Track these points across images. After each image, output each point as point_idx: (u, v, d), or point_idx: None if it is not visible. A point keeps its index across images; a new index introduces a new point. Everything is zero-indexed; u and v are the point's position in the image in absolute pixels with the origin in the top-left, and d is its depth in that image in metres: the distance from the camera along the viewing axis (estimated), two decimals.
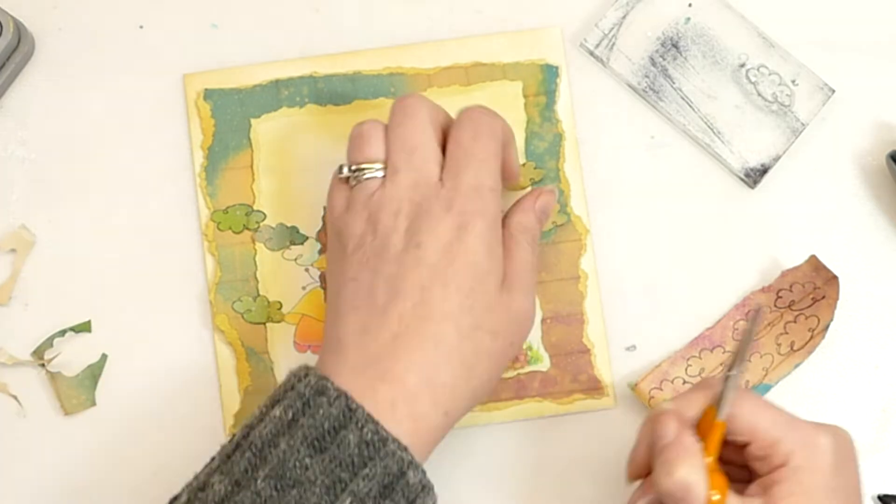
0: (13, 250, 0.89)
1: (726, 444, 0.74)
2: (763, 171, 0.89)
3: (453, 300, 0.75)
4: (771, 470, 0.73)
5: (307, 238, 0.89)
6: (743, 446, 0.74)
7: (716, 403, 0.74)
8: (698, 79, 0.90)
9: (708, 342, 0.87)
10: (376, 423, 0.71)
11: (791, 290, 0.87)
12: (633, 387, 0.86)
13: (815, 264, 0.87)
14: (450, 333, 0.74)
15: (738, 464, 0.75)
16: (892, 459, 0.87)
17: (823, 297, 0.87)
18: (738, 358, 0.75)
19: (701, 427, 0.74)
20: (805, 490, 0.72)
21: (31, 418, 0.87)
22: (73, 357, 0.88)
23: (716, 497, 0.71)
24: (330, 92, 0.90)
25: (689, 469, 0.71)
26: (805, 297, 0.87)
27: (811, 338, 0.87)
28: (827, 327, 0.86)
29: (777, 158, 0.89)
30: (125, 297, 0.89)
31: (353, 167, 0.79)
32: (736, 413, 0.74)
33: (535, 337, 0.88)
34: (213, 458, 0.74)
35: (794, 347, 0.86)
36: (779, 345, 0.87)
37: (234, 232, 0.89)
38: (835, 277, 0.86)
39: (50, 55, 0.91)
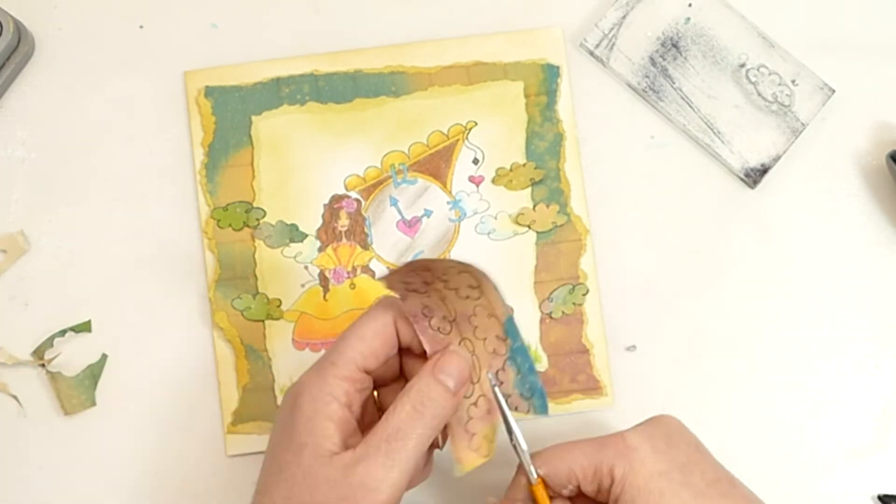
0: (4, 251, 0.89)
1: (574, 499, 0.76)
2: (763, 171, 0.89)
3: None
4: (609, 492, 0.74)
5: (307, 236, 0.89)
6: (581, 494, 0.76)
7: (524, 474, 0.75)
8: (698, 79, 0.90)
9: None
10: None
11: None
12: None
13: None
14: None
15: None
16: (892, 459, 0.87)
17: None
18: (508, 427, 0.75)
19: (535, 495, 0.76)
20: (639, 490, 0.73)
21: (31, 418, 0.87)
22: (73, 357, 0.88)
23: None
24: (331, 90, 0.90)
25: None
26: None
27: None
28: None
29: (777, 158, 0.89)
30: (125, 297, 0.89)
31: None
32: (547, 472, 0.75)
33: (533, 337, 0.88)
34: None
35: (473, 285, 0.78)
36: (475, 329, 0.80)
37: (233, 229, 0.89)
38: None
39: (50, 55, 0.91)
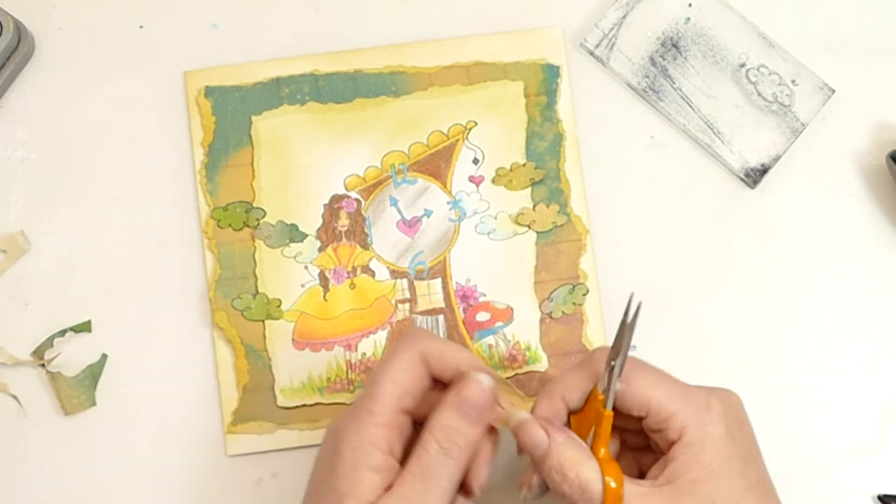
0: (4, 251, 0.89)
1: (621, 422, 0.75)
2: (763, 171, 0.89)
3: None
4: (668, 445, 0.74)
5: (307, 236, 0.89)
6: (639, 419, 0.75)
7: (600, 384, 0.74)
8: (698, 79, 0.90)
9: None
10: None
11: None
12: None
13: None
14: None
15: (636, 430, 0.76)
16: (892, 459, 0.87)
17: None
18: (618, 348, 0.74)
19: (587, 414, 0.75)
20: (701, 463, 0.72)
21: (31, 418, 0.87)
22: (73, 357, 0.88)
23: (613, 485, 0.71)
24: (331, 90, 0.90)
25: (579, 468, 0.72)
26: None
27: None
28: None
29: (777, 158, 0.89)
30: (125, 297, 0.89)
31: None
32: (628, 388, 0.74)
33: (533, 337, 0.88)
34: None
35: None
36: None
37: (233, 229, 0.89)
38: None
39: (50, 55, 0.91)
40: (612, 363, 0.74)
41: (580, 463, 0.72)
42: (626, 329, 0.74)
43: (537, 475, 0.75)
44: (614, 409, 0.74)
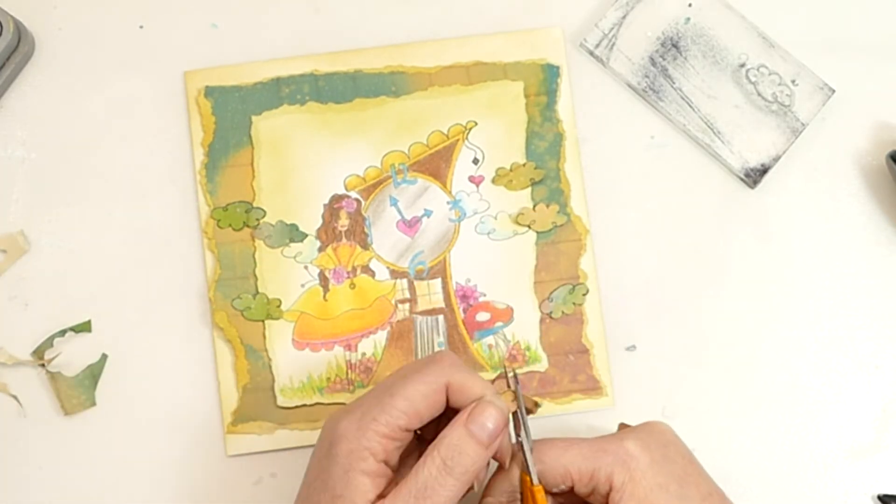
0: (4, 251, 0.89)
1: (559, 495, 0.76)
2: (763, 171, 0.89)
3: None
4: (604, 500, 0.74)
5: (306, 235, 0.89)
6: (570, 492, 0.76)
7: (525, 470, 0.75)
8: (698, 79, 0.90)
9: None
10: None
11: None
12: None
13: None
14: None
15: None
16: (892, 459, 0.87)
17: None
18: (519, 423, 0.75)
19: (525, 496, 0.76)
20: (641, 499, 0.73)
21: (31, 418, 0.87)
22: (73, 357, 0.88)
23: None
24: (331, 90, 0.90)
25: None
26: None
27: None
28: None
29: (777, 158, 0.89)
30: (125, 297, 0.89)
31: None
32: (544, 466, 0.75)
33: (533, 337, 0.88)
34: None
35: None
36: None
37: (233, 229, 0.89)
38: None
39: (50, 55, 0.91)
40: (519, 439, 0.75)
41: None
42: (519, 404, 0.75)
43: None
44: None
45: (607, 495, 0.74)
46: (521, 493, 0.76)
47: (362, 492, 0.70)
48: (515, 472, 0.76)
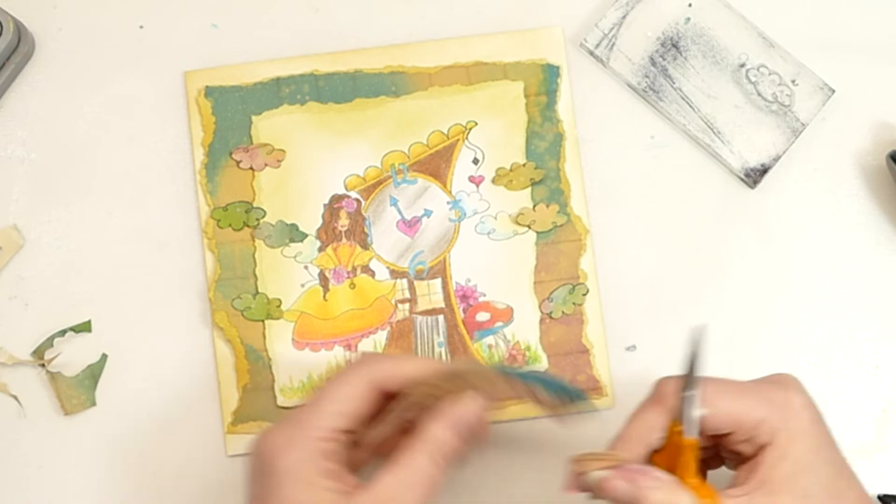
0: None
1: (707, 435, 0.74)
2: (763, 171, 0.89)
3: None
4: (756, 450, 0.73)
5: (306, 235, 0.89)
6: (724, 435, 0.74)
7: (679, 419, 0.73)
8: (698, 79, 0.90)
9: None
10: None
11: None
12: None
13: None
14: None
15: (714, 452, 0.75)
16: (892, 459, 0.87)
17: None
18: (689, 378, 0.73)
19: (669, 448, 0.73)
20: (794, 460, 0.72)
21: (31, 418, 0.88)
22: (73, 357, 0.88)
23: None
24: (331, 90, 0.90)
25: (673, 501, 0.71)
26: None
27: None
28: None
29: (777, 158, 0.89)
30: (125, 297, 0.89)
31: None
32: (715, 412, 0.73)
33: (533, 337, 0.88)
34: None
35: None
36: None
37: (233, 229, 0.89)
38: None
39: (50, 55, 0.91)
40: (687, 394, 0.72)
41: (674, 499, 0.71)
42: (696, 360, 0.73)
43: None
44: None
45: (761, 446, 0.72)
46: (669, 445, 0.73)
47: (329, 496, 0.71)
48: (659, 420, 0.73)
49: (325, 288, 0.89)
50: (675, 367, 0.87)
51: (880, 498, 0.86)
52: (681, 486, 0.71)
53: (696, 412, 0.72)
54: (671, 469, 0.72)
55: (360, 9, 0.92)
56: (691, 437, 0.72)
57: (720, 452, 0.76)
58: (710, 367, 0.88)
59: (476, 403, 0.74)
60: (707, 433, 0.73)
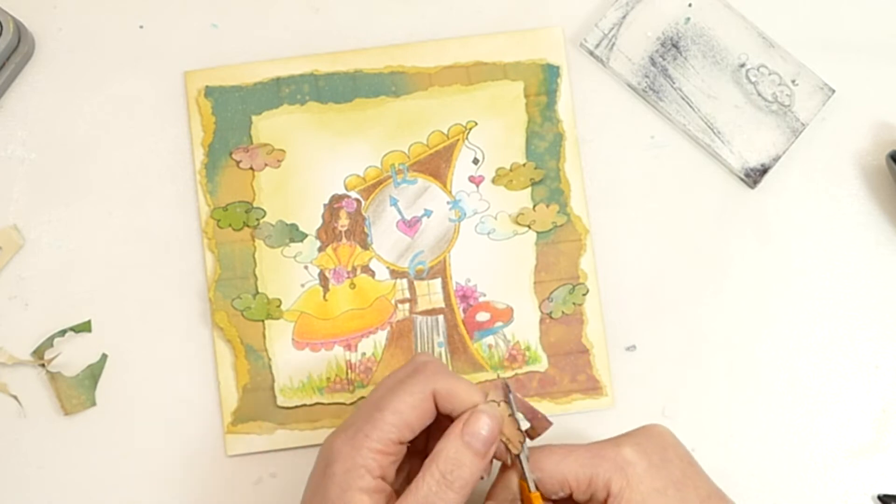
0: None
1: (558, 502, 0.76)
2: (763, 171, 0.89)
3: None
4: None
5: (306, 235, 0.89)
6: (569, 498, 0.76)
7: (522, 477, 0.75)
8: (698, 79, 0.90)
9: None
10: None
11: None
12: None
13: None
14: None
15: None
16: (892, 459, 0.87)
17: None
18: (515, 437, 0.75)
19: (524, 503, 0.76)
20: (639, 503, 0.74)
21: (31, 418, 0.87)
22: (73, 357, 0.88)
23: None
24: (331, 90, 0.90)
25: None
26: None
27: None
28: None
29: (777, 158, 0.89)
30: (125, 297, 0.89)
31: None
32: (542, 474, 0.75)
33: (533, 337, 0.88)
34: None
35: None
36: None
37: (233, 229, 0.89)
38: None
39: (50, 55, 0.91)
40: (517, 454, 0.75)
41: None
42: (513, 414, 0.75)
43: None
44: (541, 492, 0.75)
45: (605, 501, 0.74)
46: (521, 501, 0.76)
47: None
48: (514, 480, 0.76)
49: (325, 288, 0.89)
50: (675, 367, 0.88)
51: (880, 498, 0.86)
52: None
53: (533, 473, 0.75)
54: None
55: (360, 9, 0.92)
56: (533, 490, 0.75)
57: None
58: (710, 365, 0.88)
59: (490, 415, 0.73)
60: (547, 496, 0.75)
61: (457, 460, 0.72)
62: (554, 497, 0.76)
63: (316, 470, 0.74)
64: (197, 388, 0.88)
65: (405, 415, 0.72)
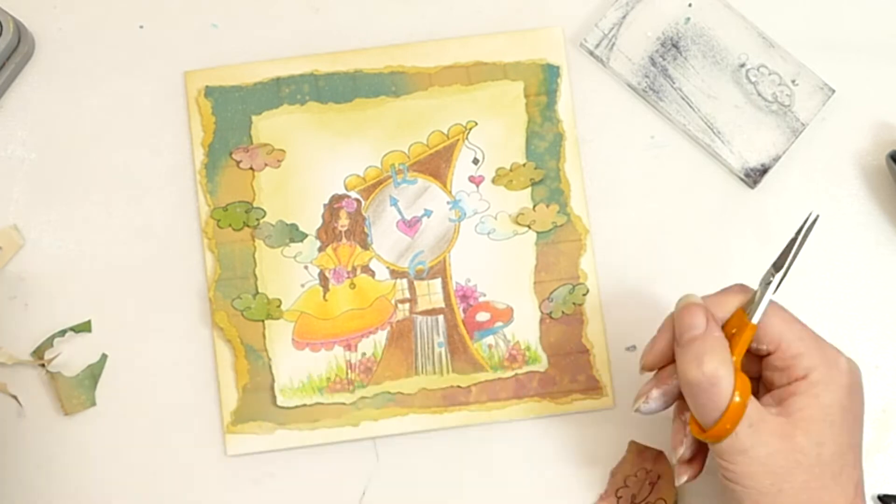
0: None
1: (746, 352, 0.75)
2: (763, 171, 0.89)
3: None
4: (789, 382, 0.74)
5: (306, 235, 0.89)
6: (763, 356, 0.75)
7: (746, 307, 0.75)
8: (698, 79, 0.90)
9: None
10: None
11: (627, 486, 0.86)
12: None
13: (637, 449, 0.87)
14: None
15: (749, 375, 0.76)
16: (892, 459, 0.87)
17: (659, 477, 0.86)
18: (781, 263, 0.76)
19: (728, 328, 0.75)
20: (821, 404, 0.73)
21: (31, 418, 0.87)
22: (73, 357, 0.88)
23: (737, 399, 0.72)
24: (331, 90, 0.90)
25: (720, 362, 0.72)
26: (642, 485, 0.86)
27: None
28: (676, 502, 0.86)
29: (777, 158, 0.89)
30: (125, 297, 0.89)
31: None
32: (765, 322, 0.75)
33: (533, 337, 0.88)
34: None
35: None
36: None
37: (233, 229, 0.89)
38: (660, 453, 0.86)
39: (50, 55, 0.91)
40: (772, 278, 0.75)
41: (722, 360, 0.73)
42: (795, 244, 0.76)
43: (657, 388, 0.77)
44: None
45: (794, 380, 0.74)
46: (728, 324, 0.75)
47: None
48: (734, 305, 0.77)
49: (325, 288, 0.89)
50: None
51: (880, 498, 0.86)
52: (732, 360, 0.73)
53: (767, 299, 0.75)
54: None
55: (360, 9, 0.92)
56: (754, 321, 0.74)
57: (755, 376, 0.77)
58: None
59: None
60: (751, 345, 0.75)
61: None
62: (754, 346, 0.75)
63: None
64: (197, 388, 0.88)
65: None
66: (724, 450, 0.73)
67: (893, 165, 0.87)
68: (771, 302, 0.75)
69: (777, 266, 0.76)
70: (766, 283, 0.75)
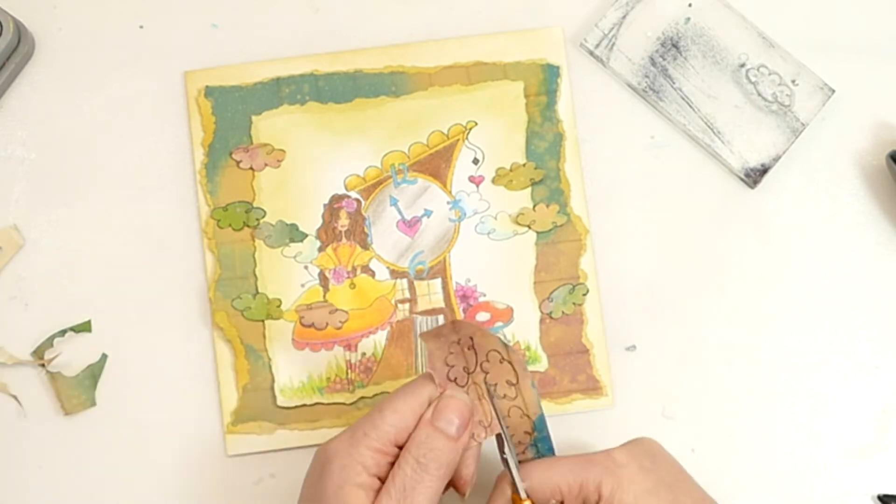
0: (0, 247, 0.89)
1: None
2: (763, 171, 0.89)
3: None
4: None
5: (306, 235, 0.89)
6: None
7: (513, 488, 0.76)
8: (698, 79, 0.90)
9: None
10: None
11: (452, 366, 0.78)
12: None
13: (432, 336, 0.78)
14: None
15: None
16: (892, 459, 0.87)
17: (472, 339, 0.78)
18: (501, 441, 0.76)
19: None
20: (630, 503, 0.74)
21: (31, 418, 0.87)
22: (73, 357, 0.88)
23: None
24: (331, 90, 0.90)
25: None
26: (464, 354, 0.79)
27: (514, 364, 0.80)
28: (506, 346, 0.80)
29: (777, 158, 0.89)
30: (125, 297, 0.89)
31: None
32: (533, 483, 0.76)
33: (533, 337, 0.88)
34: None
35: (512, 381, 0.79)
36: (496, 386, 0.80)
37: (233, 229, 0.89)
38: (454, 321, 0.78)
39: (50, 55, 0.91)
40: (504, 457, 0.76)
41: None
42: (501, 424, 0.76)
43: None
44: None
45: (597, 503, 0.75)
46: None
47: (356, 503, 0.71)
48: (508, 491, 0.77)
49: (325, 288, 0.89)
50: (675, 367, 0.88)
51: (880, 498, 0.86)
52: None
53: (523, 483, 0.76)
54: None
55: (360, 9, 0.92)
56: (523, 496, 0.76)
57: None
58: (710, 365, 0.88)
59: (457, 399, 0.74)
60: None
61: (428, 444, 0.73)
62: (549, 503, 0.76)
63: (312, 470, 0.74)
64: (197, 389, 0.88)
65: (405, 416, 0.73)
66: None
67: (893, 165, 0.87)
68: (520, 464, 0.77)
69: (498, 437, 0.76)
70: (503, 459, 0.76)
